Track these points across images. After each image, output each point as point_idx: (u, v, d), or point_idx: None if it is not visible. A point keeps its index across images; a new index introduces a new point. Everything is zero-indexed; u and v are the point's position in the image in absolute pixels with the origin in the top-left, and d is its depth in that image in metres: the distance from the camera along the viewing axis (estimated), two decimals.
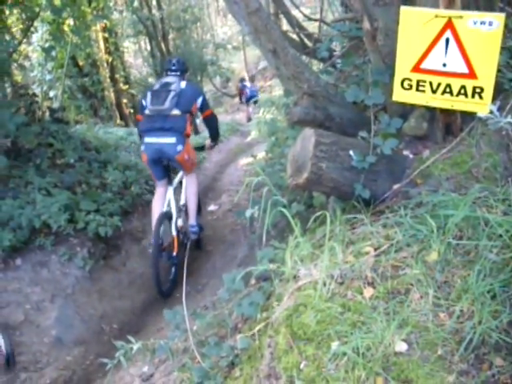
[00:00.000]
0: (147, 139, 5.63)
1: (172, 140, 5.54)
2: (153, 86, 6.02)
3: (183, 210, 6.29)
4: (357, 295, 2.25)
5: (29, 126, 7.17)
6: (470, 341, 1.90)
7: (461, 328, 1.98)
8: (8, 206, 5.79)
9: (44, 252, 5.76)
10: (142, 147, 5.73)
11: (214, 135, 6.51)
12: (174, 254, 5.76)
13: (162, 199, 5.93)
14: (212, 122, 6.33)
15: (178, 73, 6.03)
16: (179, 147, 5.57)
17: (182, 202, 6.33)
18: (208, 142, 6.62)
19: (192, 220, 6.14)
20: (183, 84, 5.82)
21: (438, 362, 1.88)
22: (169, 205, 5.97)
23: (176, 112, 5.56)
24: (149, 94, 5.69)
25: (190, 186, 6.18)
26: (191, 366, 2.90)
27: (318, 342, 2.09)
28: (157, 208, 5.81)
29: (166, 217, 5.75)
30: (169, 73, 6.06)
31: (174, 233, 5.80)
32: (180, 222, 6.06)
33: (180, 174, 6.45)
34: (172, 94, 5.57)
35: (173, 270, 5.80)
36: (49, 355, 4.83)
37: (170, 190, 6.07)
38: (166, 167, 5.98)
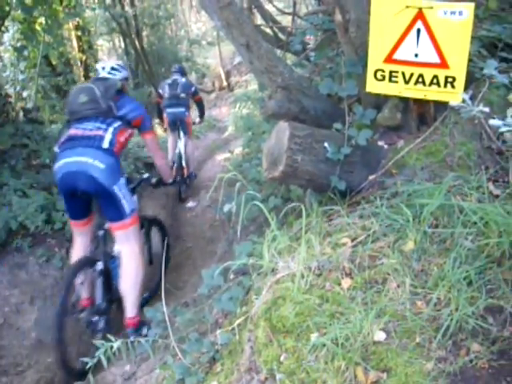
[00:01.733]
0: (168, 110, 8.79)
1: (183, 109, 8.78)
2: (167, 81, 9.06)
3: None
4: (335, 286, 2.26)
5: (2, 127, 7.11)
6: (447, 328, 1.92)
7: (438, 315, 2.00)
8: None
9: (22, 254, 5.71)
10: (165, 115, 8.92)
11: (202, 114, 9.86)
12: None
13: (175, 147, 9.12)
14: (201, 104, 9.67)
15: (179, 73, 9.16)
16: (186, 113, 8.88)
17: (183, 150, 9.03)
18: (197, 120, 9.81)
19: (191, 167, 9.22)
20: (183, 79, 9.04)
21: (417, 349, 1.90)
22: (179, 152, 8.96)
23: (183, 95, 8.78)
24: (166, 86, 8.89)
25: (188, 145, 9.09)
26: (172, 362, 2.89)
27: (297, 334, 2.09)
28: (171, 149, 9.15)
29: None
30: (174, 74, 9.16)
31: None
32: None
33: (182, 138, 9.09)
34: (179, 84, 8.83)
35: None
36: (29, 358, 4.79)
37: (181, 140, 9.08)
38: (178, 127, 9.02)
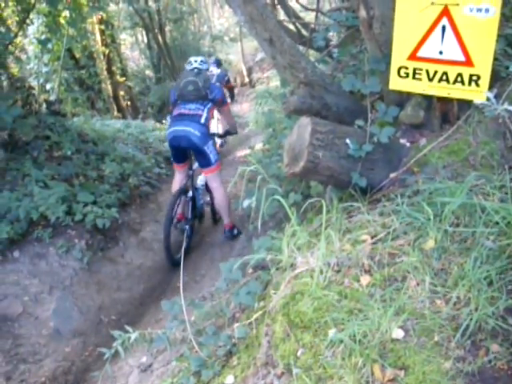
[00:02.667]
0: None
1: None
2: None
3: None
4: (354, 283, 2.25)
5: (26, 119, 7.15)
6: (466, 327, 1.90)
7: (457, 315, 1.98)
8: (5, 198, 5.78)
9: (42, 244, 5.76)
10: None
11: (232, 97, 10.91)
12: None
13: None
14: (231, 91, 10.92)
15: (216, 65, 9.84)
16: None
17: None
18: (228, 100, 9.16)
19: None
20: (218, 70, 9.68)
21: (435, 348, 1.89)
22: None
23: (217, 84, 8.20)
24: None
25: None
26: (189, 355, 2.91)
27: (314, 330, 2.09)
28: None
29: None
30: (211, 65, 9.31)
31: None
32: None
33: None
34: (214, 75, 9.04)
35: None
36: (47, 347, 4.84)
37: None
38: None
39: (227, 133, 6.94)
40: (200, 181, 6.80)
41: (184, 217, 6.48)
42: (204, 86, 6.02)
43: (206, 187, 6.73)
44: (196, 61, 6.43)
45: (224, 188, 6.25)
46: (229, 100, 9.94)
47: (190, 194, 6.40)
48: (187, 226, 6.36)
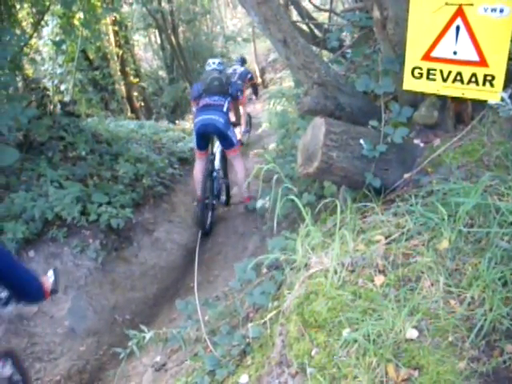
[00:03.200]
0: None
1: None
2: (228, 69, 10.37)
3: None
4: (368, 283, 2.26)
5: (40, 120, 7.21)
6: (480, 327, 1.90)
7: (472, 315, 1.98)
8: (21, 198, 5.84)
9: (57, 244, 5.80)
10: None
11: (256, 93, 13.09)
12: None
13: None
14: (255, 87, 12.68)
15: (240, 63, 11.36)
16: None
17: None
18: (253, 97, 12.85)
19: (243, 126, 9.90)
20: (242, 68, 11.07)
21: (449, 348, 1.89)
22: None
23: (239, 81, 10.15)
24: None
25: (243, 114, 9.87)
26: (203, 354, 2.93)
27: (329, 330, 2.10)
28: None
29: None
30: (235, 63, 11.42)
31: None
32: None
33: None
34: (237, 73, 10.72)
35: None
36: (62, 346, 4.89)
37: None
38: None
39: (234, 124, 7.69)
40: (217, 166, 7.56)
41: (210, 194, 7.29)
42: (226, 83, 7.04)
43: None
44: (214, 62, 7.35)
45: (244, 164, 7.52)
46: (253, 96, 12.91)
47: (214, 174, 7.32)
48: (214, 201, 7.40)
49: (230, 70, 10.81)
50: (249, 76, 11.39)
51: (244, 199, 7.48)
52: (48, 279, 2.83)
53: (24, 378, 3.18)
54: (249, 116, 11.91)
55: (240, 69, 11.06)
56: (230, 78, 7.46)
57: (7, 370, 2.98)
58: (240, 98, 7.57)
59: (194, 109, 7.40)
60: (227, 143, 7.06)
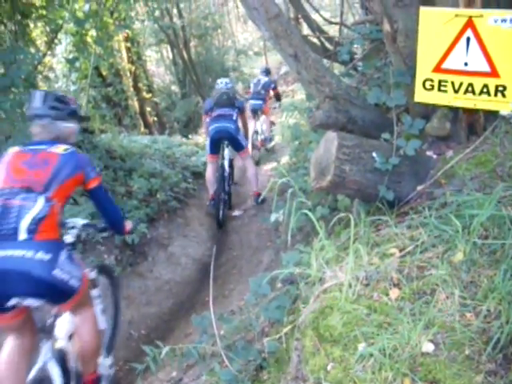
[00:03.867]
0: (251, 101, 11.72)
1: (260, 102, 11.64)
2: (253, 80, 12.57)
3: None
4: (382, 296, 2.25)
5: None
6: (497, 340, 1.88)
7: (488, 328, 1.97)
8: None
9: None
10: (248, 105, 11.40)
11: (279, 100, 12.88)
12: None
13: (254, 127, 11.55)
14: (277, 95, 12.65)
15: (264, 73, 12.20)
16: (263, 105, 11.73)
17: (259, 129, 12.01)
18: (277, 104, 13.04)
19: (267, 141, 12.31)
20: (266, 79, 12.00)
21: (466, 362, 1.88)
22: None
23: (262, 91, 11.80)
24: (252, 84, 12.19)
25: (264, 123, 12.09)
26: (219, 370, 2.92)
27: (344, 344, 2.09)
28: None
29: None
30: (260, 74, 12.40)
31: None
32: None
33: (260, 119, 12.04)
34: (261, 83, 11.79)
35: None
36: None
37: (259, 121, 11.90)
38: (257, 113, 11.85)
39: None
40: (227, 168, 8.48)
41: (222, 191, 8.17)
42: (232, 97, 8.35)
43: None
44: (222, 82, 8.62)
45: (254, 164, 8.97)
46: (277, 104, 13.12)
47: (225, 174, 8.30)
48: (226, 197, 8.28)
49: (254, 80, 12.43)
50: (272, 86, 12.14)
51: (254, 193, 8.51)
52: (129, 224, 4.14)
53: (113, 282, 4.74)
54: (272, 123, 13.43)
55: (264, 79, 12.00)
56: (235, 94, 8.87)
57: (93, 274, 3.99)
58: (244, 111, 8.87)
59: (207, 120, 8.42)
60: (238, 146, 8.29)
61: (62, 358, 3.39)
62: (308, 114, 4.55)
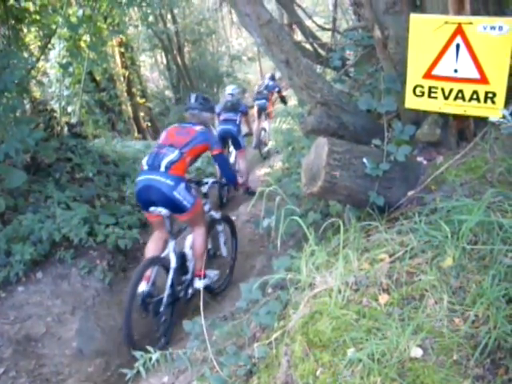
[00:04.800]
0: (256, 102, 13.07)
1: (264, 101, 13.01)
2: (260, 83, 14.13)
3: None
4: (372, 302, 2.26)
5: (48, 142, 7.29)
6: (485, 345, 1.89)
7: (476, 333, 1.98)
8: (28, 220, 5.88)
9: (64, 265, 5.83)
10: (254, 105, 13.20)
11: (284, 103, 13.89)
12: None
13: (258, 126, 13.09)
14: (283, 98, 13.97)
15: (270, 78, 13.51)
16: (266, 103, 12.94)
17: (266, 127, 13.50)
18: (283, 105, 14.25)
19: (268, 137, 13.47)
20: (271, 82, 13.50)
21: (454, 367, 1.88)
22: None
23: (265, 92, 13.18)
24: (258, 86, 14.06)
25: (268, 122, 13.33)
26: (210, 375, 2.91)
27: (333, 349, 2.10)
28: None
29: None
30: (266, 78, 13.73)
31: None
32: None
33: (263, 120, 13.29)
34: (267, 85, 13.29)
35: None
36: (70, 367, 4.88)
37: (264, 122, 13.25)
38: (261, 113, 13.14)
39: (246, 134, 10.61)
40: (232, 161, 9.99)
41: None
42: (236, 104, 9.79)
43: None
44: (230, 88, 10.47)
45: (246, 162, 10.00)
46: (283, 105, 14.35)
47: (232, 160, 9.95)
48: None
49: (260, 83, 14.65)
50: (276, 89, 13.61)
51: (245, 186, 9.03)
52: (240, 179, 6.09)
53: (233, 230, 6.41)
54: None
55: (270, 82, 13.50)
56: (239, 100, 10.32)
57: (218, 215, 6.03)
58: (246, 114, 10.17)
59: (216, 122, 9.86)
60: (237, 145, 9.69)
61: (183, 257, 5.44)
62: (300, 119, 4.56)
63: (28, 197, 6.47)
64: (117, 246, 6.20)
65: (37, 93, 10.52)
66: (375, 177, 2.96)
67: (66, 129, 8.51)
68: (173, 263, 5.14)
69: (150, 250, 5.26)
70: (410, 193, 3.05)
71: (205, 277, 5.43)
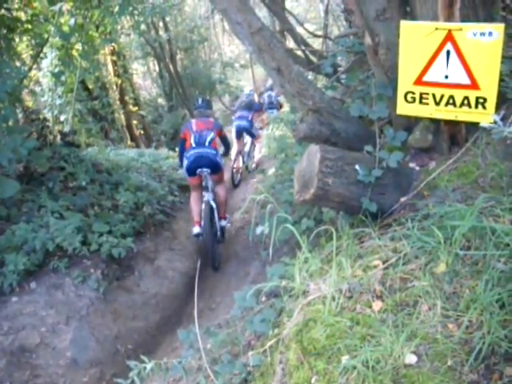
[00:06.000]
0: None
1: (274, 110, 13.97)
2: (264, 94, 14.56)
3: None
4: (365, 309, 2.26)
5: (40, 151, 7.25)
6: (479, 351, 1.89)
7: (470, 338, 1.98)
8: (22, 229, 5.85)
9: (58, 275, 5.80)
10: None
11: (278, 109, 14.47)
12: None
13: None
14: (278, 108, 14.14)
15: (270, 90, 13.91)
16: (274, 111, 13.89)
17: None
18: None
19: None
20: (273, 93, 13.78)
21: (448, 373, 1.88)
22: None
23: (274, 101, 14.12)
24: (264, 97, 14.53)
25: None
26: None
27: (328, 357, 2.10)
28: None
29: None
30: (268, 90, 14.34)
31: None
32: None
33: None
34: (271, 96, 14.00)
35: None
36: (65, 377, 4.85)
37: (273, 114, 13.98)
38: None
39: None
40: (246, 149, 12.24)
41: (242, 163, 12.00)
42: (249, 103, 11.73)
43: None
44: (247, 89, 13.25)
45: (261, 145, 12.25)
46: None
47: (245, 150, 12.11)
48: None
49: (266, 95, 14.54)
50: (275, 102, 14.26)
51: (256, 166, 11.82)
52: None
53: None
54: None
55: (273, 93, 14.04)
56: (253, 101, 12.32)
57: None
58: (259, 112, 12.16)
59: (233, 118, 12.29)
60: (251, 135, 11.67)
61: (211, 205, 7.28)
62: (292, 127, 4.58)
63: (21, 206, 6.43)
64: (110, 254, 6.17)
65: (29, 102, 10.50)
66: (368, 183, 2.97)
67: (58, 138, 8.46)
68: (213, 205, 7.30)
69: (195, 205, 7.46)
70: (403, 199, 3.05)
71: (225, 218, 7.68)
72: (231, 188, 10.96)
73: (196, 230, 7.22)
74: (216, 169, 7.24)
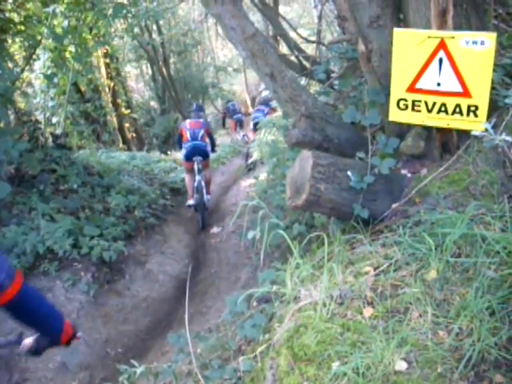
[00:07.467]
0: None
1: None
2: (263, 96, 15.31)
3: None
4: (356, 315, 2.26)
5: (32, 153, 7.23)
6: (469, 358, 1.90)
7: (460, 345, 1.98)
8: (12, 232, 5.83)
9: (48, 277, 5.78)
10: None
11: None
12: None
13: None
14: (270, 113, 14.41)
15: (266, 102, 13.99)
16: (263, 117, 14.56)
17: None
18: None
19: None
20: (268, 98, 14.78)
21: (438, 379, 1.89)
22: None
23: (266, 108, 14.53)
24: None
25: None
26: None
27: (318, 363, 2.09)
28: None
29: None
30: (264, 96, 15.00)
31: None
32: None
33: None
34: (266, 100, 14.33)
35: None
36: (54, 381, 4.83)
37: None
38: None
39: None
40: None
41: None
42: (266, 100, 12.98)
43: None
44: (266, 92, 13.21)
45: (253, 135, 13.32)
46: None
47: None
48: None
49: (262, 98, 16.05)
50: (270, 106, 14.55)
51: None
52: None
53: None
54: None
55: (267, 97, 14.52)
56: (269, 100, 12.79)
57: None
58: (271, 107, 12.91)
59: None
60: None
61: (201, 184, 9.19)
62: (285, 131, 4.58)
63: (12, 208, 6.41)
64: (101, 258, 6.17)
65: (21, 104, 10.47)
66: (359, 189, 2.97)
67: (50, 140, 8.46)
68: (203, 184, 9.29)
69: (189, 182, 9.47)
70: (395, 205, 3.06)
71: (209, 194, 9.85)
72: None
73: (191, 201, 9.41)
74: (206, 157, 9.59)
